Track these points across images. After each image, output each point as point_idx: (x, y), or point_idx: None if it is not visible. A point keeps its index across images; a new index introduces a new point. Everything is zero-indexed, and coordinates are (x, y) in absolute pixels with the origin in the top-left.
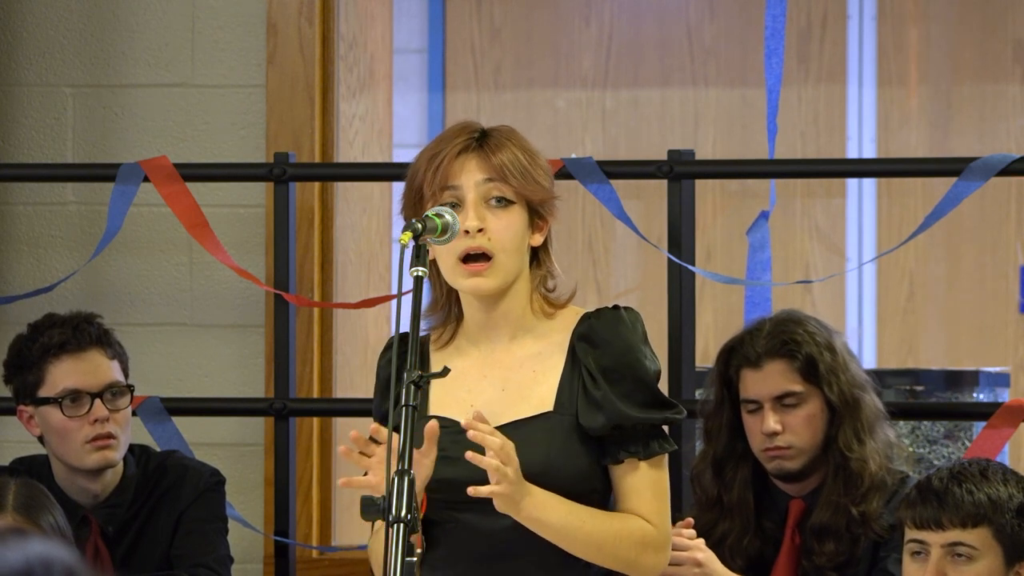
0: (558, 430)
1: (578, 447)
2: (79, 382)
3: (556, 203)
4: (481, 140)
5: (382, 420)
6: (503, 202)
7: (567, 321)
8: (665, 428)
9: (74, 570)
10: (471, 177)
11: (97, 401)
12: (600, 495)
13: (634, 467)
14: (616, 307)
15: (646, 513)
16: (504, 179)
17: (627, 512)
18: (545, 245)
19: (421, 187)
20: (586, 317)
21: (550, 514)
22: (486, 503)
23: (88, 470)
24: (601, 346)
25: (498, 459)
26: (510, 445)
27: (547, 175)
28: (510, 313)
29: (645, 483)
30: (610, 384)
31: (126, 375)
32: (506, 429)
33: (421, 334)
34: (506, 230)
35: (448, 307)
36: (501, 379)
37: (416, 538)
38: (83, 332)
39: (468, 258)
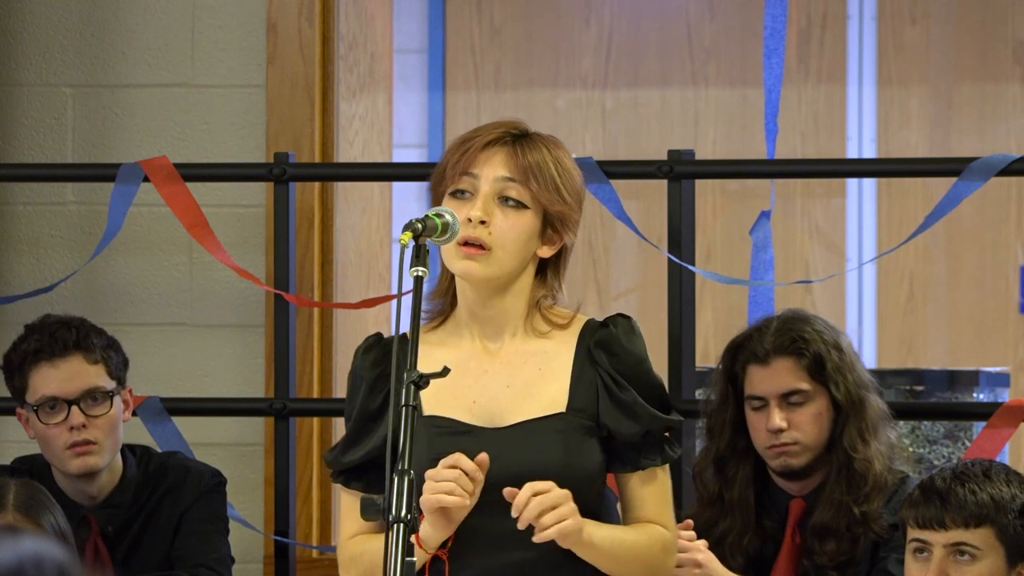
0: (572, 431)
1: (591, 449)
2: (55, 389)
3: (575, 222)
4: (517, 138)
5: (369, 418)
6: (514, 203)
7: (571, 323)
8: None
9: (66, 568)
10: (493, 171)
11: (74, 408)
12: (601, 498)
13: (652, 475)
14: (624, 316)
15: (662, 519)
16: (524, 182)
17: (642, 519)
18: (557, 261)
19: (446, 167)
20: (598, 324)
21: (601, 539)
22: (489, 503)
23: (72, 475)
24: (620, 354)
25: (552, 498)
26: (557, 492)
27: (575, 193)
28: (508, 312)
29: (661, 490)
30: (636, 390)
31: (120, 378)
32: (518, 428)
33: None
34: (510, 229)
35: (448, 292)
36: (505, 375)
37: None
38: (59, 339)
39: (467, 243)
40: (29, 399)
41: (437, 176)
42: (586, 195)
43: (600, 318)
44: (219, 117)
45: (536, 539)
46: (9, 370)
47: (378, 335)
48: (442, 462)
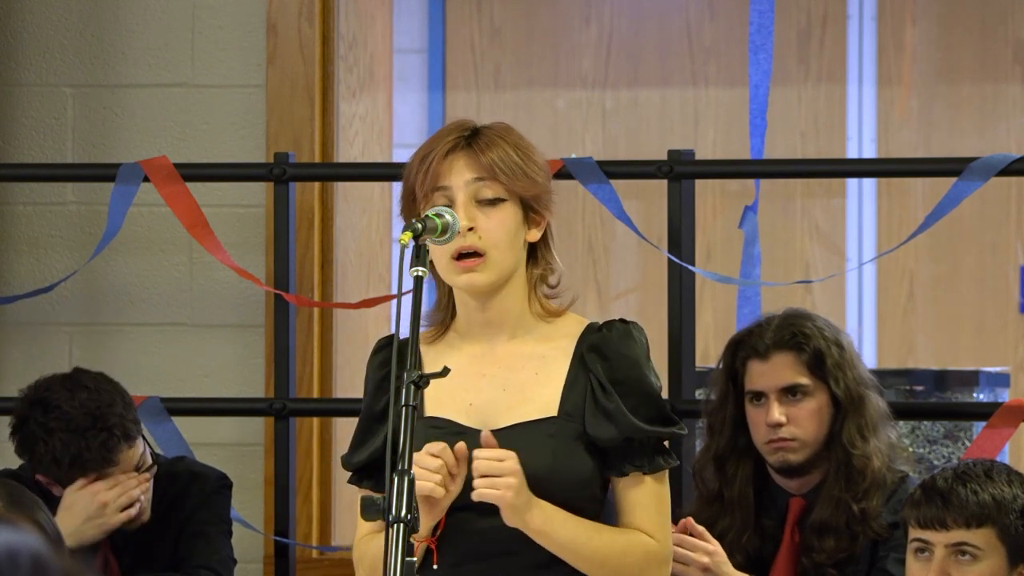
0: (562, 436)
1: (582, 454)
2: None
3: (553, 198)
4: (470, 138)
5: (374, 419)
6: (494, 200)
7: (570, 327)
8: (666, 444)
9: (41, 558)
10: (460, 177)
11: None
12: (599, 503)
13: (639, 481)
14: (624, 321)
15: (649, 528)
16: (493, 177)
17: (629, 526)
18: (544, 240)
19: (413, 188)
20: (595, 328)
21: (557, 528)
22: (482, 503)
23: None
24: (612, 359)
25: (498, 467)
26: (513, 458)
27: (541, 170)
28: (508, 311)
29: (649, 498)
30: (620, 397)
31: (142, 435)
32: (509, 431)
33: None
34: (497, 228)
35: (448, 306)
36: (501, 378)
37: (417, 548)
38: (106, 458)
39: (461, 255)
40: (67, 486)
41: (407, 196)
42: (588, 195)
43: (600, 318)
44: (219, 117)
45: (473, 496)
46: (35, 461)
47: (391, 336)
48: (427, 447)
